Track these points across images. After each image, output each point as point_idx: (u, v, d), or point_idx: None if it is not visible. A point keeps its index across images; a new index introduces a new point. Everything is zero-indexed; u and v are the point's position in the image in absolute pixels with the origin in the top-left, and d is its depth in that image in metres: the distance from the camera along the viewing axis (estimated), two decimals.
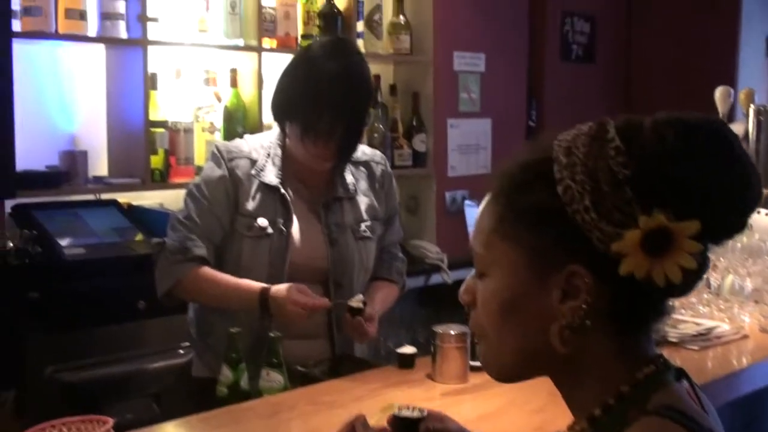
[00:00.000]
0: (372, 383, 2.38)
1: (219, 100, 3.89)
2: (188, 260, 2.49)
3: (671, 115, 1.05)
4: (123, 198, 3.61)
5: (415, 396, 2.23)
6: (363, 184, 2.72)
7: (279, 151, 2.61)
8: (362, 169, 2.73)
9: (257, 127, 3.81)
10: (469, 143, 4.93)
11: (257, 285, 2.46)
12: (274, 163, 2.59)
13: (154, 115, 3.59)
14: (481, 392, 2.30)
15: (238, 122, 3.85)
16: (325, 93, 2.44)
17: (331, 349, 2.66)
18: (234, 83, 3.87)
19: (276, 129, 2.65)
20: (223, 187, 2.55)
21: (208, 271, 2.49)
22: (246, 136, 2.73)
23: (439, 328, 2.39)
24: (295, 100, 2.50)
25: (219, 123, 3.86)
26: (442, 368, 2.38)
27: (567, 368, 1.10)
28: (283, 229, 2.56)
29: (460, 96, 4.89)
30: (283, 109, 2.56)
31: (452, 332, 2.37)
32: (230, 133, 3.80)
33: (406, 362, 2.48)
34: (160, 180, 3.63)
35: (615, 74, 5.92)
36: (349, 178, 2.68)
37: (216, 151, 2.61)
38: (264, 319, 2.47)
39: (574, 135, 1.08)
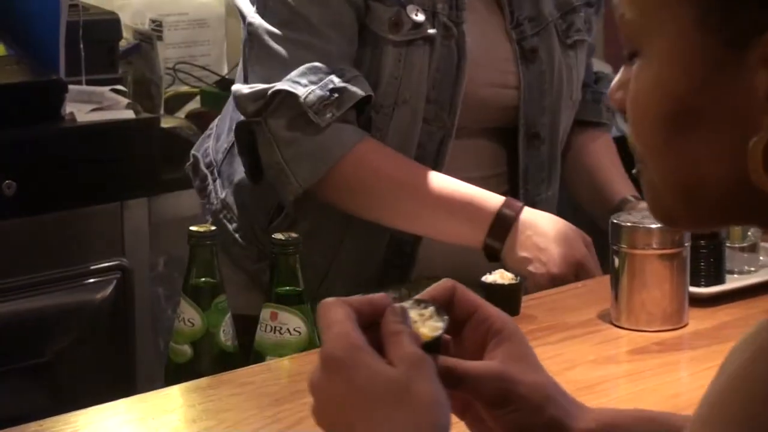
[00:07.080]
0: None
1: None
2: (345, 118, 1.78)
3: None
4: None
5: (574, 357, 1.63)
6: None
7: None
8: None
9: None
10: None
11: (492, 195, 1.81)
12: None
13: None
14: (711, 346, 1.65)
15: None
16: None
17: None
18: None
19: None
20: None
21: (383, 146, 1.84)
22: None
23: (627, 219, 1.72)
24: None
25: None
26: (634, 300, 1.73)
27: None
28: (452, 26, 1.83)
29: None
30: None
31: (653, 226, 1.70)
32: None
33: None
34: None
35: None
36: None
37: None
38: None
39: None
